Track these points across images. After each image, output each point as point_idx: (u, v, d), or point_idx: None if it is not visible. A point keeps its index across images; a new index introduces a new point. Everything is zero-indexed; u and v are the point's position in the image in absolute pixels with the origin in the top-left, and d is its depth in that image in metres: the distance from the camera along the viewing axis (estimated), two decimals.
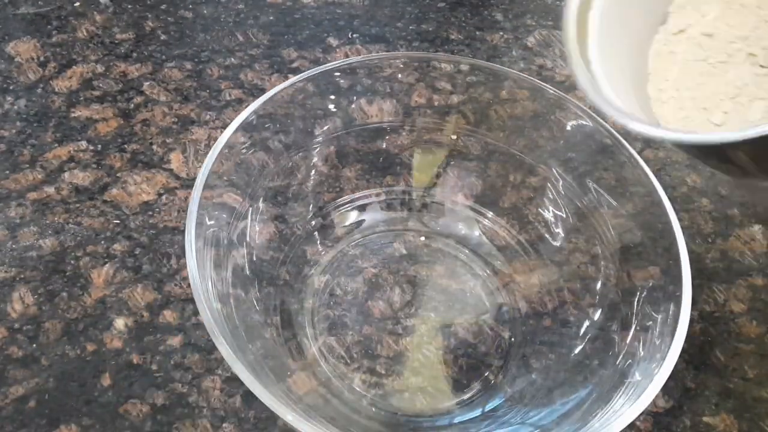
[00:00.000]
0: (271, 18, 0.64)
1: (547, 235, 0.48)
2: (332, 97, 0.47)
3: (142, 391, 0.42)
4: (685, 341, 0.35)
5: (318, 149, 0.48)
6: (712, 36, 0.34)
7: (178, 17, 0.64)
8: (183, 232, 0.38)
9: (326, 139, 0.48)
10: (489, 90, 0.48)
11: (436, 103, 0.49)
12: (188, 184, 0.52)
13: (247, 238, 0.44)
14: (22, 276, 0.47)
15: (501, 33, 0.66)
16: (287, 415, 0.33)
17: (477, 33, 0.65)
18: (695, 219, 0.53)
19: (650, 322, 0.39)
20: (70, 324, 0.45)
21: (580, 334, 0.44)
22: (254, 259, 0.44)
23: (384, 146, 0.50)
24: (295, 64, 0.61)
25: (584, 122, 0.44)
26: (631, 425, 0.37)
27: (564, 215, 0.47)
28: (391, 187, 0.51)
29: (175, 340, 0.45)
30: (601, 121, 0.44)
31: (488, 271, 0.48)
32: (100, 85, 0.58)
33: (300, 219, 0.48)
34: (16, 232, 0.49)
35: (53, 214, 0.50)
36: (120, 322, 0.45)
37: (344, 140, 0.48)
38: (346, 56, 0.61)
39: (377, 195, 0.50)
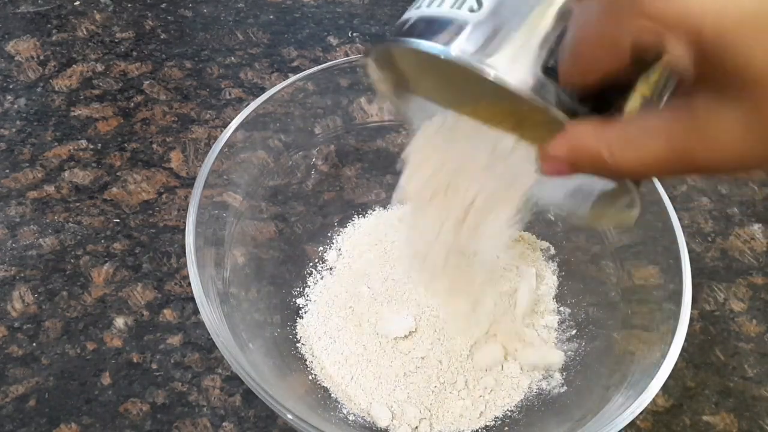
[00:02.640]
0: (271, 17, 0.64)
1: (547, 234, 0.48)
2: (332, 95, 0.47)
3: (142, 389, 0.42)
4: (685, 340, 0.35)
5: (318, 148, 0.48)
6: None
7: (178, 16, 0.64)
8: (183, 230, 0.38)
9: (326, 138, 0.48)
10: None
11: None
12: (188, 182, 0.52)
13: (248, 237, 0.44)
14: (22, 275, 0.47)
15: None
16: (287, 414, 0.33)
17: None
18: (695, 218, 0.53)
19: (650, 321, 0.39)
20: (70, 323, 0.45)
21: (580, 333, 0.44)
22: (254, 258, 0.44)
23: (384, 145, 0.50)
24: (295, 63, 0.61)
25: None
26: (632, 424, 0.37)
27: (564, 214, 0.47)
28: (391, 186, 0.51)
29: (175, 339, 0.45)
30: None
31: None
32: (100, 84, 0.58)
33: (300, 218, 0.48)
34: (16, 230, 0.49)
35: (53, 212, 0.50)
36: (120, 321, 0.45)
37: (344, 139, 0.48)
38: (346, 55, 0.61)
39: (377, 194, 0.50)
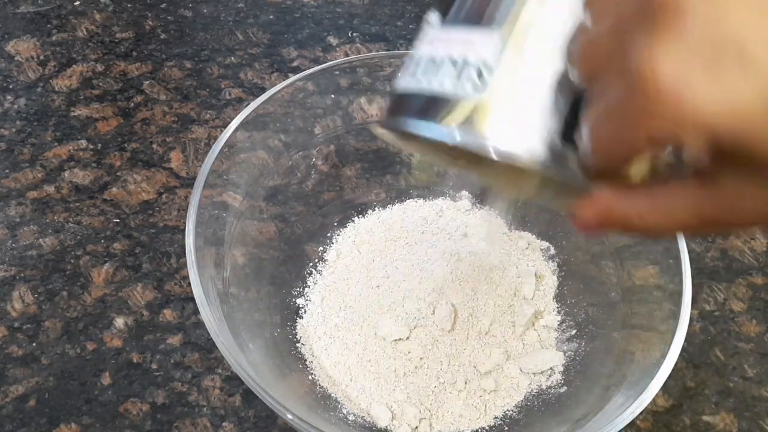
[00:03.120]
0: (271, 17, 0.64)
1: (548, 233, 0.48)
2: (332, 96, 0.47)
3: (142, 390, 0.42)
4: (685, 340, 0.35)
5: (318, 148, 0.48)
6: None
7: (177, 16, 0.64)
8: (183, 231, 0.38)
9: (326, 138, 0.48)
10: None
11: None
12: (188, 183, 0.52)
13: (248, 237, 0.44)
14: (22, 275, 0.47)
15: None
16: (287, 414, 0.33)
17: None
18: None
19: (650, 321, 0.39)
20: (70, 323, 0.45)
21: (580, 333, 0.44)
22: (254, 258, 0.44)
23: (384, 145, 0.50)
24: (295, 63, 0.61)
25: None
26: (632, 424, 0.37)
27: (564, 214, 0.47)
28: (391, 186, 0.51)
29: (175, 339, 0.45)
30: None
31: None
32: (100, 84, 0.58)
33: (300, 218, 0.48)
34: (16, 230, 0.49)
35: (53, 212, 0.50)
36: (120, 321, 0.45)
37: (344, 139, 0.48)
38: (346, 55, 0.61)
39: (377, 194, 0.50)
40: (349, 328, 0.44)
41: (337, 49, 0.62)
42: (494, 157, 0.23)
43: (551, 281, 0.47)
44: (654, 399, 0.34)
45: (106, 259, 0.48)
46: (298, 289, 0.46)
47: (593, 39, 0.20)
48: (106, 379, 0.43)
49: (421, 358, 0.42)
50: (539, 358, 0.43)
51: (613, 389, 0.37)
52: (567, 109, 0.23)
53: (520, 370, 0.43)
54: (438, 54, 0.24)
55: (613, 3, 0.20)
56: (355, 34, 0.63)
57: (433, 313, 0.43)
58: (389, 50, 0.62)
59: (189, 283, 0.36)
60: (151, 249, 0.48)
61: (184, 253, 0.37)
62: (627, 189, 0.22)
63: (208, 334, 0.35)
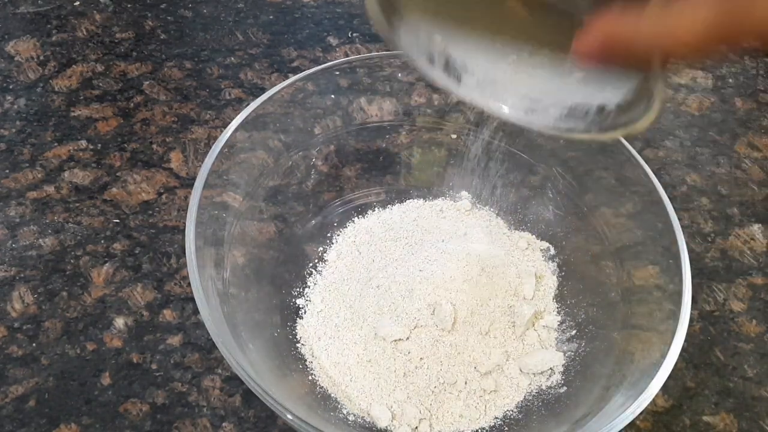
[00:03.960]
0: (271, 17, 0.64)
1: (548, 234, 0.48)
2: (332, 96, 0.47)
3: (142, 390, 0.42)
4: (685, 340, 0.35)
5: (318, 148, 0.48)
6: None
7: (177, 16, 0.64)
8: (183, 231, 0.38)
9: (326, 138, 0.48)
10: None
11: (436, 103, 0.49)
12: (188, 183, 0.52)
13: (247, 238, 0.44)
14: (21, 275, 0.47)
15: None
16: (287, 414, 0.33)
17: None
18: (695, 218, 0.53)
19: (650, 321, 0.39)
20: (69, 323, 0.45)
21: (580, 334, 0.44)
22: (254, 258, 0.44)
23: (384, 145, 0.50)
24: (294, 63, 0.61)
25: None
26: (631, 424, 0.37)
27: (564, 214, 0.47)
28: (391, 186, 0.51)
29: (175, 340, 0.45)
30: None
31: None
32: (100, 84, 0.58)
33: (300, 218, 0.48)
34: (16, 231, 0.49)
35: (53, 213, 0.50)
36: (120, 322, 0.45)
37: (344, 139, 0.48)
38: (346, 55, 0.61)
39: (377, 194, 0.50)
40: (349, 328, 0.44)
41: (337, 49, 0.62)
42: None
43: (551, 281, 0.47)
44: (654, 399, 0.34)
45: (106, 259, 0.48)
46: (298, 289, 0.46)
47: None
48: (106, 380, 0.43)
49: (421, 358, 0.42)
50: (539, 358, 0.43)
51: (613, 389, 0.37)
52: None
53: (520, 370, 0.43)
54: None
55: None
56: (355, 34, 0.63)
57: (433, 313, 0.43)
58: (389, 50, 0.62)
59: (189, 283, 0.36)
60: (151, 249, 0.48)
61: (184, 253, 0.37)
62: (633, 6, 0.21)
63: (208, 334, 0.35)
